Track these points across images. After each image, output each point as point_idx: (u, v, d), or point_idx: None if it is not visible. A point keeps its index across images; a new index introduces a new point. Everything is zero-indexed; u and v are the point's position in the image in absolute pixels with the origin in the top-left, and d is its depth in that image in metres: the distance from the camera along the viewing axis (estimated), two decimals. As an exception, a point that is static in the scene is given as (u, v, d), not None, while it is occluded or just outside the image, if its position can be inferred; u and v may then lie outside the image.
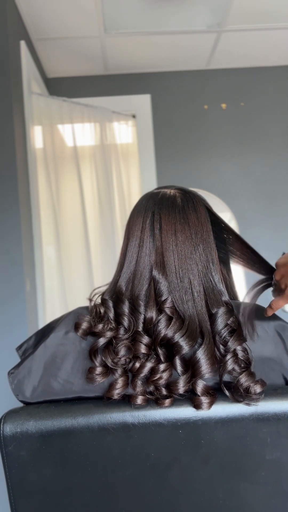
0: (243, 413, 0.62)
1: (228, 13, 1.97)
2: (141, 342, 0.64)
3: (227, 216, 2.46)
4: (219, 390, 0.64)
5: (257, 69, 2.54)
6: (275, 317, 0.73)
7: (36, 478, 0.63)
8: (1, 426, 0.62)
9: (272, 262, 0.79)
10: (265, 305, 0.75)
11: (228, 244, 0.79)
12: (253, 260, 0.79)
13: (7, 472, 0.63)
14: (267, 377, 0.67)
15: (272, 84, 2.54)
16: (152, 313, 0.66)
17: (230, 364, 0.63)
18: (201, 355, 0.63)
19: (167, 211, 0.72)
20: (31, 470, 0.63)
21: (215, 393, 0.63)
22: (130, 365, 0.64)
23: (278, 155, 2.52)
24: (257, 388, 0.62)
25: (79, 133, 2.22)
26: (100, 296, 0.73)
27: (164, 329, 0.64)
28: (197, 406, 0.61)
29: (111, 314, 0.68)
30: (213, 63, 2.47)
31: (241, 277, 2.37)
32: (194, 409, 0.62)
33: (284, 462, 0.63)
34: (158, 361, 0.64)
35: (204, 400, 0.61)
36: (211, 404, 0.62)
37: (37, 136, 2.05)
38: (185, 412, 0.62)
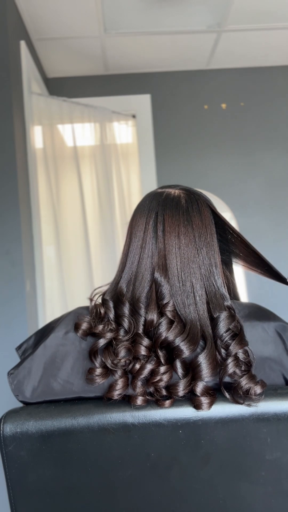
0: (243, 413, 0.62)
1: (228, 13, 1.97)
2: (141, 344, 0.64)
3: (227, 216, 2.46)
4: (219, 390, 0.64)
5: (257, 69, 2.54)
6: (275, 318, 0.73)
7: (36, 478, 0.63)
8: (1, 426, 0.62)
9: (276, 264, 0.78)
10: (265, 306, 0.75)
11: (233, 246, 0.79)
12: (259, 264, 0.79)
13: (7, 472, 0.63)
14: (267, 378, 0.67)
15: (272, 84, 2.54)
16: (153, 316, 0.66)
17: (231, 368, 0.63)
18: (203, 359, 0.63)
19: (171, 213, 0.71)
20: (31, 470, 0.63)
21: (215, 393, 0.63)
22: (130, 366, 0.64)
23: (278, 155, 2.52)
24: (257, 389, 0.62)
25: (79, 133, 2.22)
26: (101, 296, 0.72)
27: (165, 332, 0.64)
28: (197, 406, 0.61)
29: (112, 315, 0.68)
30: (213, 63, 2.47)
31: (242, 278, 2.37)
32: (194, 409, 0.62)
33: (284, 462, 0.63)
34: (158, 363, 0.63)
35: (204, 400, 0.61)
36: (211, 404, 0.61)
37: (37, 136, 2.05)
38: (185, 412, 0.62)
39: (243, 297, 2.35)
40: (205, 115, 2.52)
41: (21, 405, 0.69)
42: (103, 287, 0.74)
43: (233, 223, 2.47)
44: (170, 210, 0.72)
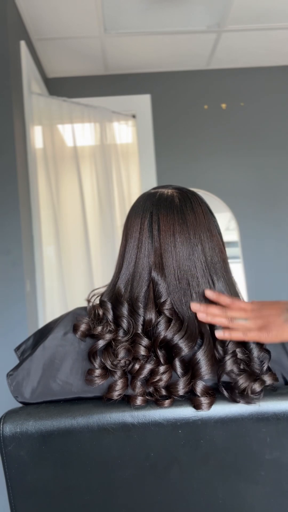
0: (242, 413, 0.62)
1: (228, 13, 1.97)
2: (141, 344, 0.64)
3: (227, 216, 2.46)
4: (219, 390, 0.64)
5: (257, 69, 2.54)
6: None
7: (36, 478, 0.63)
8: (1, 426, 0.62)
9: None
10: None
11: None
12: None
13: (7, 472, 0.63)
14: (267, 377, 0.67)
15: (272, 84, 2.54)
16: (151, 315, 0.66)
17: (229, 365, 0.63)
18: (201, 356, 0.63)
19: (165, 212, 0.72)
20: (31, 470, 0.63)
21: (215, 393, 0.63)
22: (130, 366, 0.64)
23: (278, 155, 2.52)
24: (256, 388, 0.62)
25: (79, 133, 2.22)
26: (99, 298, 0.72)
27: (164, 331, 0.64)
28: (197, 406, 0.61)
29: (110, 316, 0.68)
30: (213, 63, 2.47)
31: (242, 278, 2.37)
32: (193, 409, 0.62)
33: (283, 462, 0.63)
34: (158, 363, 0.63)
35: (204, 400, 0.61)
36: (210, 404, 0.61)
37: (37, 136, 2.05)
38: (185, 412, 0.62)
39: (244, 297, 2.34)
40: (205, 115, 2.52)
41: (20, 405, 0.69)
42: (100, 289, 0.74)
43: (233, 223, 2.47)
44: (165, 209, 0.72)
